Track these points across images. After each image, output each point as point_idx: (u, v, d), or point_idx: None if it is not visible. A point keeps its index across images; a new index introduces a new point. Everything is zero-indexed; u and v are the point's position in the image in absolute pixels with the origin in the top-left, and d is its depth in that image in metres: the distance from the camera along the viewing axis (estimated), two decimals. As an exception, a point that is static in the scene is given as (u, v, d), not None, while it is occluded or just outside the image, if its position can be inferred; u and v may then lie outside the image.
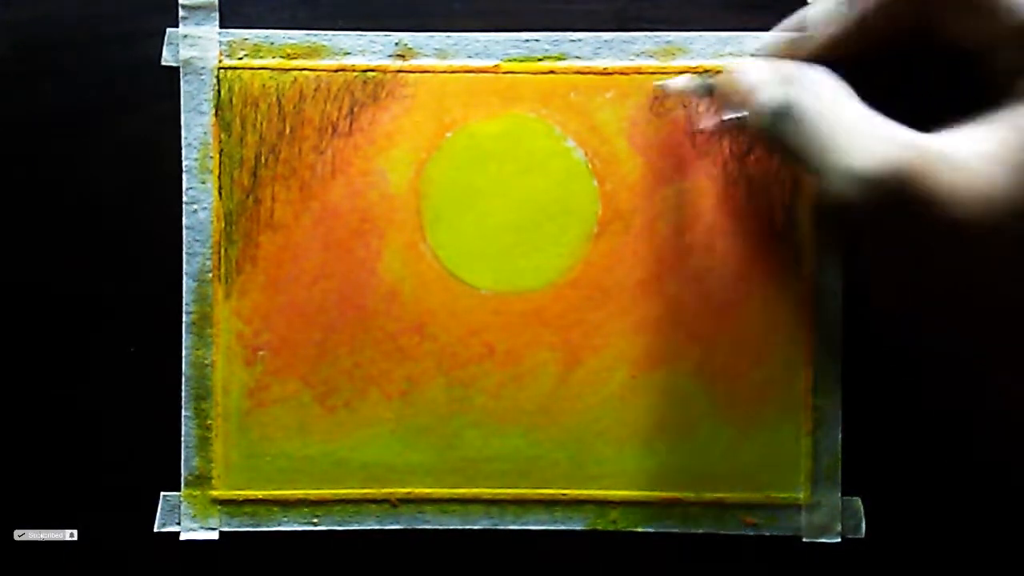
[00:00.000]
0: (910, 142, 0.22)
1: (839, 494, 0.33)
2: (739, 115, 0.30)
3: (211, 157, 0.34)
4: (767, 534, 0.34)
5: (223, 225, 0.34)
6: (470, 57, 0.34)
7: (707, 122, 0.33)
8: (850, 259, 0.33)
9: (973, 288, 0.23)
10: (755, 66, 0.27)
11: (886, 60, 0.27)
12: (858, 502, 0.34)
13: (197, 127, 0.34)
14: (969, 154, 0.21)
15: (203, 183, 0.34)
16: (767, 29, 0.34)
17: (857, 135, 0.23)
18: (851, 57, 0.27)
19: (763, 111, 0.26)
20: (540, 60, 0.34)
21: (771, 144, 0.26)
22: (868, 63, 0.27)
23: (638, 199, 0.33)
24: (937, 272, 0.23)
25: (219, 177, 0.34)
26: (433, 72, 0.34)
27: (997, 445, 0.34)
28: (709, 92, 0.32)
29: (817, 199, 0.27)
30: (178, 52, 0.34)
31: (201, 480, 0.34)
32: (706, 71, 0.33)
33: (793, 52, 0.27)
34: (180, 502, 0.34)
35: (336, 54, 0.34)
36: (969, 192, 0.21)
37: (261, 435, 0.34)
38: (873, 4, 0.25)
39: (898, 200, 0.22)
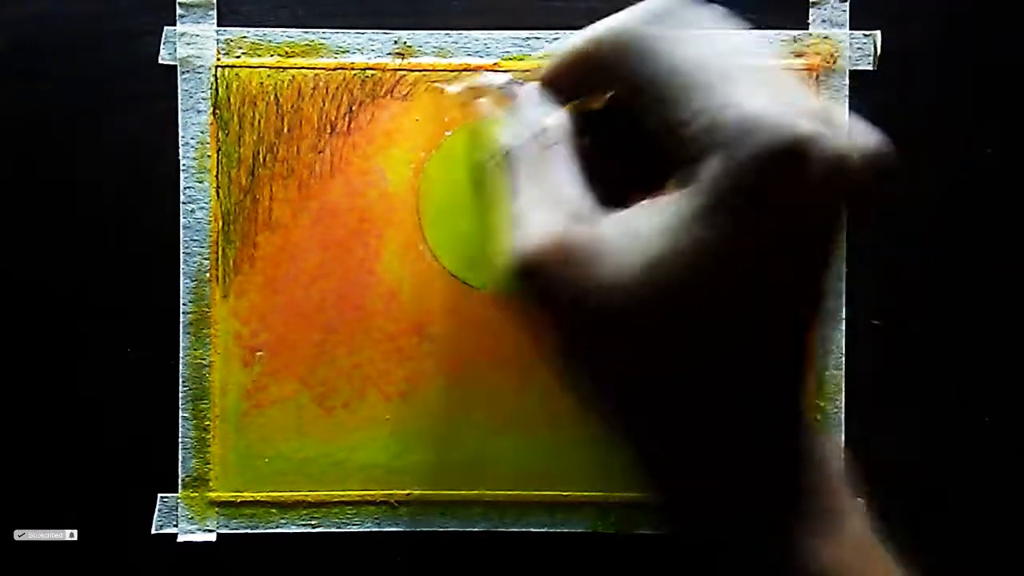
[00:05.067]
0: (576, 220, 0.22)
1: (841, 496, 0.33)
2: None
3: (209, 156, 0.33)
4: (769, 536, 0.33)
5: (221, 225, 0.33)
6: (469, 55, 0.33)
7: (454, 89, 0.33)
8: (852, 260, 0.33)
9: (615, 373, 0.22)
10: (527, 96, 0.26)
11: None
12: (860, 504, 0.33)
13: (194, 126, 0.33)
14: (625, 240, 0.21)
15: (200, 182, 0.33)
16: (768, 28, 0.33)
17: (534, 206, 0.22)
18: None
19: (498, 152, 0.25)
20: (540, 59, 0.33)
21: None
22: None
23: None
24: (584, 357, 0.22)
25: (217, 176, 0.33)
26: (432, 70, 0.33)
27: (998, 447, 0.34)
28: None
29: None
30: (175, 50, 0.33)
31: (199, 481, 0.34)
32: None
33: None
34: (178, 503, 0.34)
35: (334, 52, 0.33)
36: (613, 278, 0.21)
37: (259, 436, 0.33)
38: (566, 62, 0.25)
39: (543, 280, 0.21)
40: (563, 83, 0.25)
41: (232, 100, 0.33)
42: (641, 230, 0.21)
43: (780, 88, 0.20)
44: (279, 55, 0.33)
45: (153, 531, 0.34)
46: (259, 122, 0.33)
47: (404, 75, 0.33)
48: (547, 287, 0.21)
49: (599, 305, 0.21)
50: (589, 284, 0.21)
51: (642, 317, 0.21)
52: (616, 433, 0.23)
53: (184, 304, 0.33)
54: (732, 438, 0.22)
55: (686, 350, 0.21)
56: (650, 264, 0.20)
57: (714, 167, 0.20)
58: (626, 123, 0.24)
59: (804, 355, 0.22)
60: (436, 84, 0.33)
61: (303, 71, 0.33)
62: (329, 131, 0.33)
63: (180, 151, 0.33)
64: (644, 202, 0.22)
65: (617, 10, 0.33)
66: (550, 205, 0.22)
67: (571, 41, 0.24)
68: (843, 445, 0.33)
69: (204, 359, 0.33)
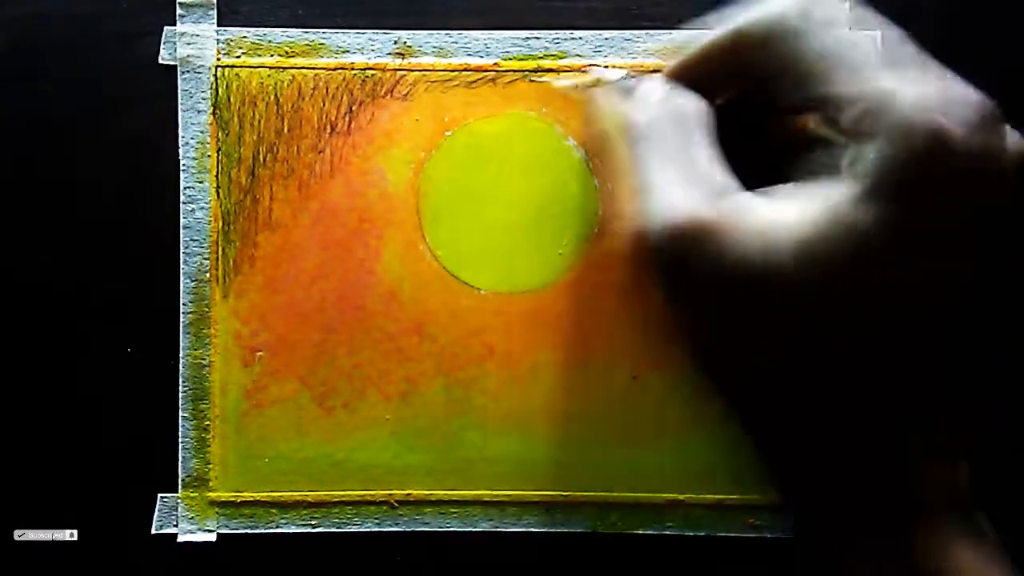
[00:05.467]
0: (720, 197, 0.22)
1: (841, 496, 0.33)
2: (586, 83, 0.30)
3: (209, 156, 0.33)
4: (769, 535, 0.33)
5: (221, 225, 0.33)
6: (470, 55, 0.33)
7: (562, 83, 0.33)
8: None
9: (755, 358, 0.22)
10: (650, 83, 0.26)
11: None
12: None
13: (194, 126, 0.33)
14: (773, 220, 0.21)
15: (200, 182, 0.33)
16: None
17: (676, 181, 0.22)
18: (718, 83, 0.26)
19: (628, 128, 0.25)
20: (540, 58, 0.33)
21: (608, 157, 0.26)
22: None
23: (639, 198, 0.33)
24: (728, 333, 0.22)
25: (217, 176, 0.33)
26: (433, 70, 0.33)
27: (999, 446, 0.34)
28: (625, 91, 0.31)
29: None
30: (175, 50, 0.33)
31: (199, 481, 0.34)
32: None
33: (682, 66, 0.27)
34: (178, 503, 0.33)
35: (334, 52, 0.33)
36: (759, 257, 0.21)
37: (259, 436, 0.33)
38: (716, 46, 0.25)
39: (685, 254, 0.21)
40: (696, 76, 0.25)
41: (232, 100, 0.33)
42: (790, 212, 0.21)
43: (940, 79, 0.20)
44: (279, 55, 0.33)
45: (153, 531, 0.34)
46: (259, 122, 0.33)
47: (404, 75, 0.33)
48: (690, 258, 0.21)
49: (744, 281, 0.21)
50: (735, 259, 0.21)
51: (788, 299, 0.20)
52: (739, 418, 0.23)
53: (184, 304, 0.33)
54: (867, 429, 0.21)
55: (831, 334, 0.21)
56: (802, 245, 0.20)
57: (874, 152, 0.20)
58: (756, 117, 0.24)
59: (946, 350, 0.21)
60: (543, 80, 0.33)
61: (303, 71, 0.33)
62: (329, 131, 0.33)
63: (180, 151, 0.33)
64: (788, 186, 0.22)
65: (618, 10, 0.34)
66: (693, 181, 0.22)
67: (715, 33, 0.24)
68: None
69: (204, 359, 0.33)
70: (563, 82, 0.33)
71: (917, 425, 0.22)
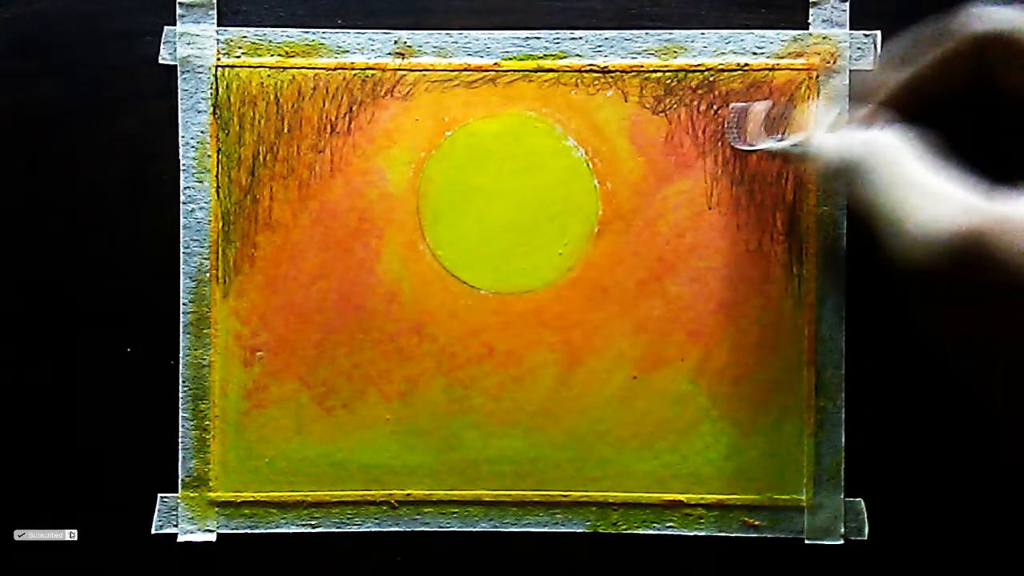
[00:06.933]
0: (979, 206, 0.23)
1: (842, 496, 0.33)
2: (791, 144, 0.31)
3: (209, 156, 0.33)
4: (769, 536, 0.33)
5: (221, 225, 0.33)
6: (470, 55, 0.33)
7: (759, 143, 0.32)
8: (852, 259, 0.33)
9: None
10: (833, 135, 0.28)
11: (957, 114, 0.28)
12: (860, 504, 0.33)
13: (195, 126, 0.33)
14: None
15: (200, 182, 0.33)
16: (768, 28, 0.33)
17: (930, 199, 0.24)
18: (920, 108, 0.27)
19: (834, 165, 0.27)
20: (540, 58, 0.33)
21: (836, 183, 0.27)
22: (942, 118, 0.27)
23: (639, 198, 0.33)
24: (1009, 335, 0.24)
25: (217, 176, 0.33)
26: (433, 70, 0.33)
27: (999, 447, 0.34)
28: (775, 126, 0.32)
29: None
30: (176, 50, 0.33)
31: (199, 482, 0.34)
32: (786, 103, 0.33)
33: (865, 96, 0.28)
34: (178, 504, 0.33)
35: (335, 52, 0.33)
36: None
37: (259, 436, 0.33)
38: (929, 58, 0.26)
39: (969, 262, 0.22)
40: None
41: (232, 100, 0.33)
42: None
43: None
44: (279, 55, 0.33)
45: (153, 531, 0.34)
46: (259, 122, 0.33)
47: (404, 75, 0.33)
48: (979, 259, 0.22)
49: None
50: (1013, 257, 0.22)
51: None
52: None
53: (184, 304, 0.33)
54: None
55: None
56: None
57: None
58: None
59: None
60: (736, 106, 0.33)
61: (303, 71, 0.33)
62: (329, 131, 0.33)
63: (180, 151, 0.33)
64: None
65: (618, 10, 0.33)
66: (944, 192, 0.24)
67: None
68: (843, 445, 0.33)
69: (204, 359, 0.33)
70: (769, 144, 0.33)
71: None
